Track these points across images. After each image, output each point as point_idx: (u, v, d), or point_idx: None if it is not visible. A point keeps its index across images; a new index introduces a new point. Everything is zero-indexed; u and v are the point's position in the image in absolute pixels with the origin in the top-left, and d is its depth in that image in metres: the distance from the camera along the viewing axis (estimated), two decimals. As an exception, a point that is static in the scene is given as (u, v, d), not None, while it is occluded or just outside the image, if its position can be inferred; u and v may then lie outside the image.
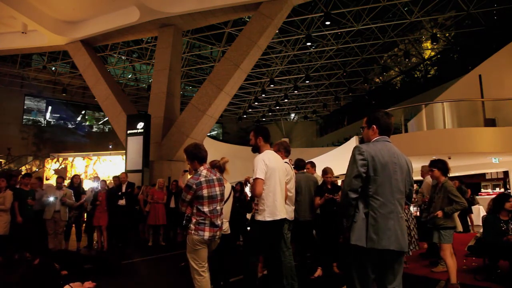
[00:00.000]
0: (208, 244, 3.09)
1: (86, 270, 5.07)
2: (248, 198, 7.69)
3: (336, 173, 5.72)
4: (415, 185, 5.38)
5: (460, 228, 4.48)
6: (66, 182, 11.78)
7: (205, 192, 3.05)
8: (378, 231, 2.27)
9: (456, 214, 4.41)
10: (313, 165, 5.72)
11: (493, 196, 9.17)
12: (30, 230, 6.51)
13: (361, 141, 6.40)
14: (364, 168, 2.34)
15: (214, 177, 3.18)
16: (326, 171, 5.12)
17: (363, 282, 2.35)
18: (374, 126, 2.52)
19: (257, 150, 3.44)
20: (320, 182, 5.25)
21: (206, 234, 3.02)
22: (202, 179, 3.08)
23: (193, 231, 3.03)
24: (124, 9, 12.01)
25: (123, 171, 10.39)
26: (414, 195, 4.37)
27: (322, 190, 4.94)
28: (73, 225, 7.82)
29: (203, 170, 3.15)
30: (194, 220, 3.06)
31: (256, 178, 3.19)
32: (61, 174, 16.07)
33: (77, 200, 7.64)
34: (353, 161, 2.39)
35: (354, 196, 2.35)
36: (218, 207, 3.16)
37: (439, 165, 4.35)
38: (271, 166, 3.25)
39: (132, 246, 7.85)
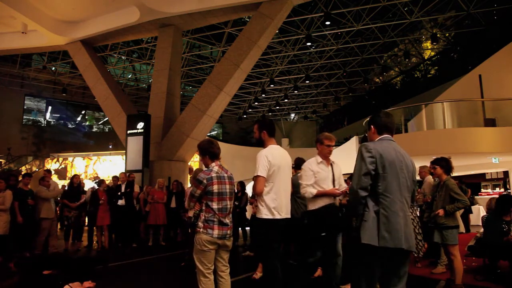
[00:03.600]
0: (219, 244, 3.01)
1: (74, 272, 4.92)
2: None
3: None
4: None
5: (462, 228, 4.44)
6: (66, 182, 11.82)
7: (215, 188, 2.99)
8: (390, 230, 2.23)
9: (458, 215, 4.37)
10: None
11: (493, 196, 9.20)
12: (31, 230, 6.51)
13: (362, 140, 6.37)
14: (373, 166, 2.31)
15: (225, 175, 3.13)
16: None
17: (369, 281, 2.31)
18: (372, 126, 2.56)
19: (261, 143, 3.32)
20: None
21: (215, 233, 2.95)
22: (213, 174, 3.04)
23: (201, 229, 2.96)
24: (124, 9, 12.00)
25: (123, 171, 10.40)
26: (416, 195, 4.33)
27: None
28: (73, 225, 7.81)
29: (215, 166, 3.11)
30: (202, 218, 3.00)
31: (257, 176, 3.09)
32: (60, 174, 16.09)
33: (77, 200, 7.65)
34: (361, 158, 2.35)
35: (364, 194, 2.31)
36: (228, 206, 3.09)
37: (443, 163, 4.30)
38: (274, 163, 3.12)
39: (131, 246, 7.84)
